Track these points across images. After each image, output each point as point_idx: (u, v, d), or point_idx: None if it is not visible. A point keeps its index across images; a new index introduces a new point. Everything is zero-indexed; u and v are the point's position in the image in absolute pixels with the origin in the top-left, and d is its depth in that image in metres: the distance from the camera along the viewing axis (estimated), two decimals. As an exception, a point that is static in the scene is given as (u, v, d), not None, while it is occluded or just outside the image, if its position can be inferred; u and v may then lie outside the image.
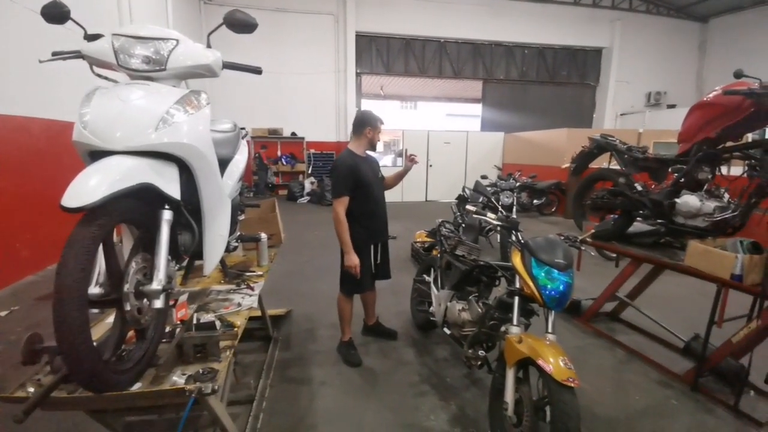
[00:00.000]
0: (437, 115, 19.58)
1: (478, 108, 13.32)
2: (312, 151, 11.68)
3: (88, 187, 1.06)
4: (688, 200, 2.64)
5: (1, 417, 1.61)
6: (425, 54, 12.16)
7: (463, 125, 14.99)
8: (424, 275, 3.26)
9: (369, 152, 2.90)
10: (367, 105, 13.52)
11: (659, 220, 2.99)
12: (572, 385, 1.56)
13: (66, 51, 1.46)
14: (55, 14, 1.41)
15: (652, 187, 3.08)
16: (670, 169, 3.01)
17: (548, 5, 12.25)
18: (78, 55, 1.42)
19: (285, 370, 2.73)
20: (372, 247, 2.84)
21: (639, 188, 3.01)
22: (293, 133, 11.40)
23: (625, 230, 3.22)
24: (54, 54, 1.47)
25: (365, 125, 2.76)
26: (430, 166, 11.69)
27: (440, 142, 11.73)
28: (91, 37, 1.42)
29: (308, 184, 11.20)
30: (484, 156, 11.78)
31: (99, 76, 1.51)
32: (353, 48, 11.35)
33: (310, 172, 11.64)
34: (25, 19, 3.97)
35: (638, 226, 3.27)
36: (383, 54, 11.93)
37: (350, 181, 2.65)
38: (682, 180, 2.75)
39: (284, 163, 11.52)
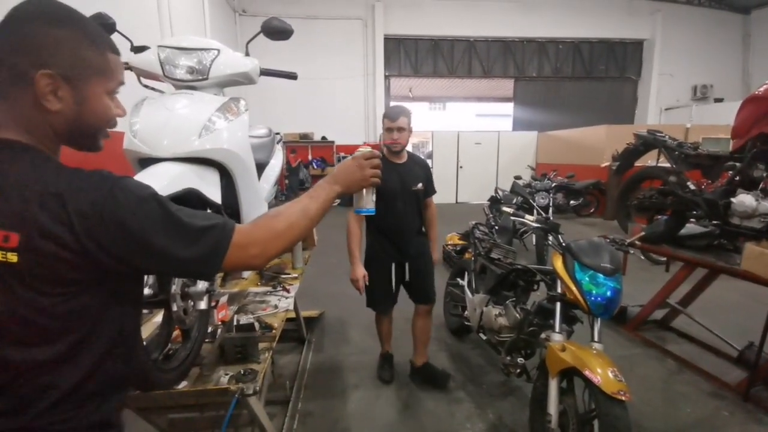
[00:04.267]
0: (467, 116, 19.28)
1: (510, 107, 12.98)
2: (342, 154, 11.80)
3: None
4: (744, 200, 2.44)
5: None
6: (454, 54, 11.99)
7: (494, 125, 14.67)
8: (458, 278, 3.20)
9: (413, 155, 2.51)
10: (396, 107, 13.50)
11: (714, 221, 2.78)
12: (623, 398, 1.46)
13: None
14: (101, 26, 1.48)
15: (704, 186, 2.89)
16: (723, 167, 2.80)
17: (582, -2, 11.80)
18: (126, 66, 1.49)
19: (319, 373, 2.75)
20: (394, 266, 2.45)
21: (692, 187, 2.82)
22: (323, 138, 11.58)
23: (677, 232, 3.01)
24: None
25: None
26: (461, 167, 11.52)
27: (470, 143, 11.54)
28: (138, 49, 1.48)
29: (339, 187, 11.32)
30: (516, 156, 11.46)
31: (146, 86, 1.58)
32: (382, 51, 11.37)
33: (340, 175, 11.76)
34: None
35: (689, 227, 3.07)
36: (411, 56, 11.87)
37: None
38: (737, 178, 2.55)
39: (315, 166, 11.72)
